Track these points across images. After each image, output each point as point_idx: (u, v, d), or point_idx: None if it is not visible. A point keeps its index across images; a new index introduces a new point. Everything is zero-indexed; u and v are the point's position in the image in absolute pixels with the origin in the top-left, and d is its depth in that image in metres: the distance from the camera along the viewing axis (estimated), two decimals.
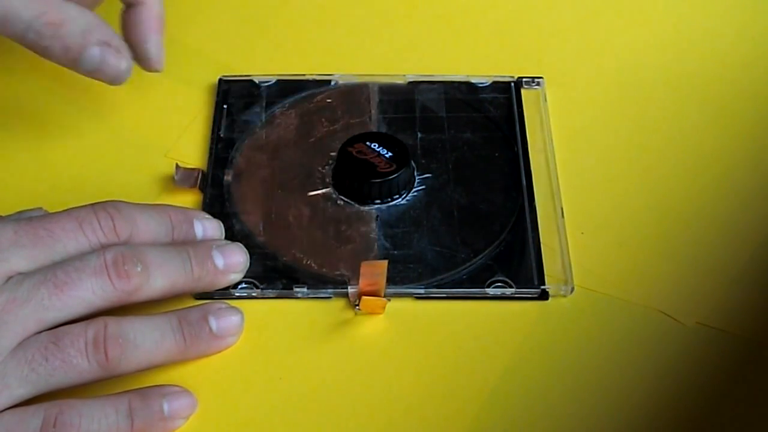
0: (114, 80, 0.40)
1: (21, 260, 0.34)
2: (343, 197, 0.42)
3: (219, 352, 0.37)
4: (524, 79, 0.47)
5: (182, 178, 0.42)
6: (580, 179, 0.43)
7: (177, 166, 0.42)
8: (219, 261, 0.37)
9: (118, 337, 0.34)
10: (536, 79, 0.47)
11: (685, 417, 0.36)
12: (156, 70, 0.42)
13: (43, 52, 0.39)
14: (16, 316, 0.33)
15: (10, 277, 0.34)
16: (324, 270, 0.40)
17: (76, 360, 0.33)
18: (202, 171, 0.43)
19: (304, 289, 0.39)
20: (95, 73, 0.40)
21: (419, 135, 0.44)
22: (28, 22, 0.38)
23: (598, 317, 0.39)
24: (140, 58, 0.42)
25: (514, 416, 0.36)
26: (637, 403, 0.36)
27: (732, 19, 0.51)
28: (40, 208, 0.38)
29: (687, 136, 0.45)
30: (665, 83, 0.48)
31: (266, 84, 0.46)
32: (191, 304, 0.37)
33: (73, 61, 0.39)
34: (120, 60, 0.40)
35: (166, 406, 0.34)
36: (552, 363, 0.37)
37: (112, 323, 0.34)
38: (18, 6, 0.37)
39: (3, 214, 0.38)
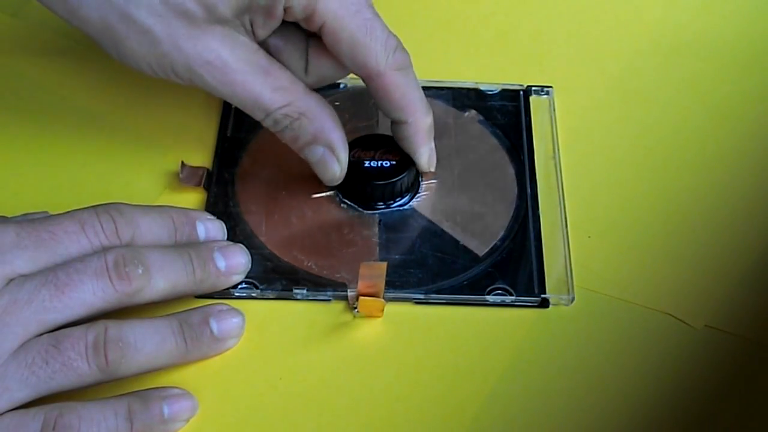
0: (326, 181, 0.41)
1: (23, 262, 0.34)
2: (346, 200, 0.42)
3: (220, 354, 0.37)
4: (533, 88, 0.47)
5: (187, 176, 0.42)
6: (588, 183, 0.44)
7: (182, 164, 0.43)
8: (221, 263, 0.38)
9: (119, 340, 0.34)
10: (545, 88, 0.47)
11: (693, 421, 0.36)
12: (429, 171, 0.43)
13: (275, 132, 0.40)
14: (17, 318, 0.33)
15: (11, 279, 0.34)
16: (324, 272, 0.40)
17: (76, 363, 0.33)
18: (208, 170, 0.43)
19: (304, 291, 0.39)
20: (312, 165, 0.41)
21: None
22: (270, 110, 0.39)
23: (605, 320, 0.39)
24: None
25: (512, 422, 0.36)
26: (644, 406, 0.36)
27: (735, 23, 0.51)
28: (45, 212, 0.38)
29: (693, 141, 0.46)
30: (671, 92, 0.48)
31: None
32: (192, 304, 0.37)
33: (297, 149, 0.40)
34: (335, 167, 0.40)
35: (166, 409, 0.35)
36: (556, 367, 0.38)
37: (113, 326, 0.34)
38: (266, 98, 0.38)
39: (6, 216, 0.38)
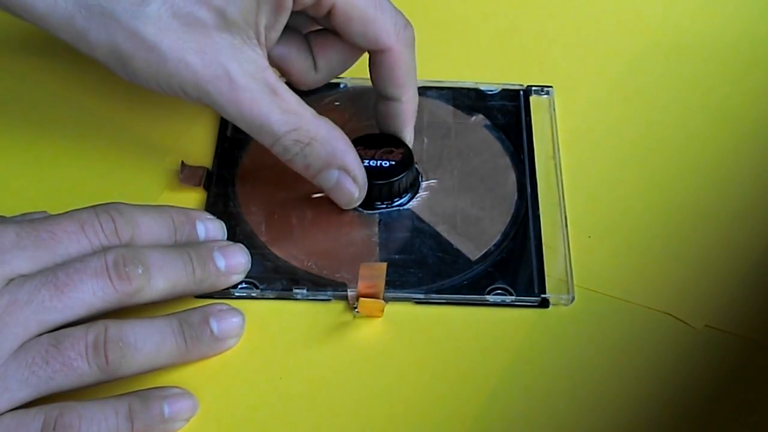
0: (344, 205, 0.41)
1: (22, 262, 0.34)
2: None
3: (220, 354, 0.37)
4: (533, 88, 0.47)
5: (187, 176, 0.42)
6: (588, 183, 0.44)
7: (182, 163, 0.43)
8: (220, 263, 0.38)
9: (119, 340, 0.34)
10: (546, 88, 0.47)
11: (694, 421, 0.36)
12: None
13: (286, 161, 0.39)
14: (17, 318, 0.33)
15: (11, 279, 0.34)
16: (324, 272, 0.40)
17: (76, 363, 0.33)
18: (208, 169, 0.43)
19: (304, 291, 0.39)
20: (328, 192, 0.40)
21: (425, 141, 0.44)
22: (279, 136, 0.38)
23: (605, 320, 0.39)
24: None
25: (512, 422, 0.36)
26: (644, 406, 0.36)
27: (735, 23, 0.51)
28: (44, 212, 0.38)
29: (693, 141, 0.46)
30: (672, 91, 0.48)
31: None
32: (192, 304, 0.37)
33: (311, 177, 0.40)
34: (354, 189, 0.40)
35: (166, 409, 0.35)
36: (556, 367, 0.38)
37: (113, 326, 0.34)
38: (274, 119, 0.38)
39: (5, 215, 0.38)
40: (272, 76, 0.38)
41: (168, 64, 0.37)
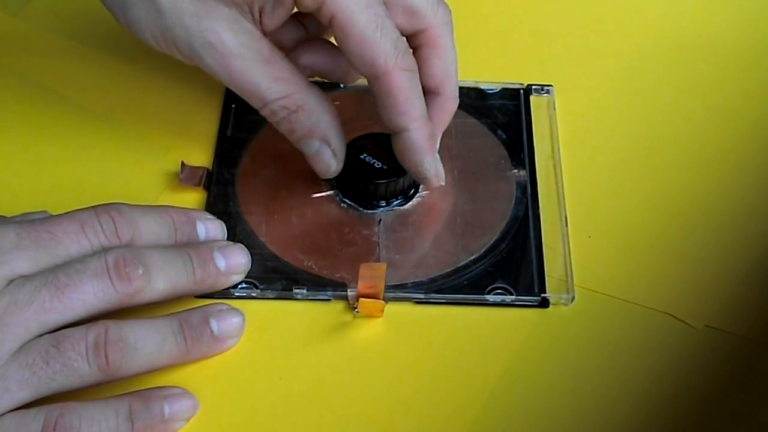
0: (321, 174, 0.41)
1: (23, 263, 0.34)
2: (346, 200, 0.42)
3: (220, 354, 0.37)
4: (534, 87, 0.47)
5: (187, 176, 0.42)
6: (588, 183, 0.44)
7: (182, 164, 0.43)
8: (220, 263, 0.38)
9: (119, 340, 0.34)
10: (546, 87, 0.47)
11: (694, 421, 0.36)
12: (439, 185, 0.41)
13: (272, 123, 0.40)
14: (17, 319, 0.33)
15: (11, 280, 0.34)
16: (324, 272, 0.40)
17: (76, 364, 0.33)
18: (208, 169, 0.43)
19: (304, 291, 0.39)
20: (307, 158, 0.41)
21: None
22: (268, 101, 0.39)
23: (605, 320, 0.39)
24: (418, 179, 0.41)
25: (512, 422, 0.36)
26: (644, 406, 0.36)
27: (736, 23, 0.51)
28: (45, 212, 0.38)
29: (693, 140, 0.46)
30: (672, 91, 0.48)
31: None
32: (192, 304, 0.37)
33: (295, 141, 0.41)
34: (331, 161, 0.40)
35: (167, 409, 0.35)
36: (556, 367, 0.38)
37: (113, 327, 0.34)
38: (264, 87, 0.39)
39: (5, 215, 0.38)
40: (267, 46, 0.39)
41: (165, 18, 0.38)
